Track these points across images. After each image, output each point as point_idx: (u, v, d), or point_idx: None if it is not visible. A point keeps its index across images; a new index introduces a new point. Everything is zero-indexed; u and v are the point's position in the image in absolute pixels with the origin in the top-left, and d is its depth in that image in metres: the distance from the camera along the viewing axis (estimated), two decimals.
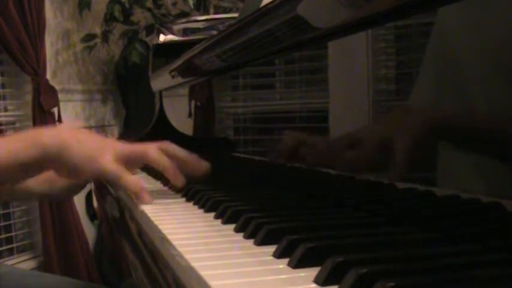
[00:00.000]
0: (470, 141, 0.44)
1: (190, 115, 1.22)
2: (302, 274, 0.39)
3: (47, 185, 0.96)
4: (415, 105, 0.50)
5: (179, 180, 0.76)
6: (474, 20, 0.42)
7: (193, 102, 1.22)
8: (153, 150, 0.76)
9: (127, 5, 2.46)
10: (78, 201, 2.49)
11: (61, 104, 2.40)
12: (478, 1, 0.42)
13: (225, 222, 0.58)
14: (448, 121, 0.46)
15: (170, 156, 0.76)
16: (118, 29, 2.61)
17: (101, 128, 2.79)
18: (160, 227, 0.56)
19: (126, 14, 2.49)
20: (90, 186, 2.54)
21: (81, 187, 1.04)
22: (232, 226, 0.55)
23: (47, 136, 0.75)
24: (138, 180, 0.73)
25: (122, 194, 0.86)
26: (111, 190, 0.97)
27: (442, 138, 0.46)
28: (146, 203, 0.71)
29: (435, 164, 0.48)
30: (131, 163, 0.76)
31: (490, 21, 0.41)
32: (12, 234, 2.35)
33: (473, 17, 0.42)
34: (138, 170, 1.06)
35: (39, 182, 0.94)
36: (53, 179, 0.95)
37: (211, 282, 0.37)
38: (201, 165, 0.78)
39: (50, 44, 2.47)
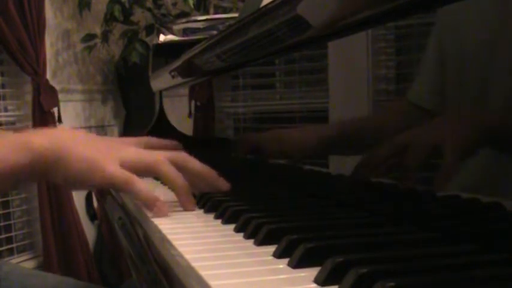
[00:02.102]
0: (472, 141, 0.44)
1: (190, 115, 1.22)
2: (302, 274, 0.39)
3: None
4: (417, 103, 0.50)
5: (189, 204, 0.65)
6: (474, 19, 0.42)
7: (193, 102, 1.22)
8: (165, 163, 0.65)
9: (127, 5, 2.46)
10: (78, 201, 2.49)
11: (61, 104, 2.40)
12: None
13: (225, 222, 0.58)
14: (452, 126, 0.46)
15: (184, 170, 0.66)
16: (118, 29, 2.61)
17: (101, 128, 2.79)
18: (160, 226, 0.56)
19: (126, 14, 2.50)
20: None
21: None
22: (232, 226, 0.55)
23: (40, 138, 0.64)
24: (151, 189, 0.64)
25: (122, 195, 0.86)
26: (112, 190, 0.97)
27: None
28: (161, 215, 0.62)
29: (435, 165, 0.48)
30: (138, 173, 0.65)
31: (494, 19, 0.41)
32: (12, 234, 2.35)
33: (479, 15, 0.42)
34: None
35: None
36: None
37: (211, 282, 0.37)
38: (220, 183, 0.69)
39: (50, 44, 2.47)
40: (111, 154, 0.66)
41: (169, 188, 0.67)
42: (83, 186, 0.69)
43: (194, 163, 0.68)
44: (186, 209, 0.65)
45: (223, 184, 0.69)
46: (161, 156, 0.66)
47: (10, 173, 0.63)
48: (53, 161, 0.63)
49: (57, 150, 0.63)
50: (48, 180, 0.68)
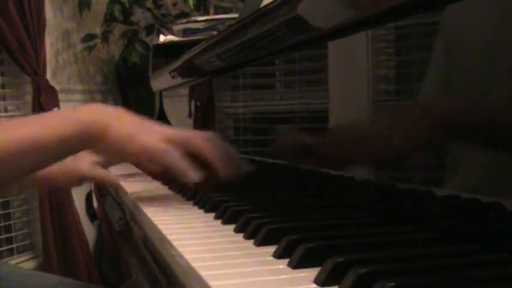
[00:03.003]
0: (472, 140, 0.44)
1: (190, 115, 1.22)
2: (302, 274, 0.39)
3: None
4: (421, 104, 0.50)
5: (228, 169, 0.71)
6: (486, 16, 0.42)
7: (193, 102, 1.22)
8: (199, 137, 0.72)
9: (127, 5, 2.46)
10: (78, 201, 2.49)
11: (61, 104, 2.39)
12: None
13: (225, 223, 0.58)
14: (452, 120, 0.46)
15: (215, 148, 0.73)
16: (118, 29, 2.61)
17: None
18: (160, 227, 0.56)
19: (126, 14, 2.49)
20: (90, 186, 2.54)
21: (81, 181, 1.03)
22: (232, 226, 0.55)
23: (86, 113, 0.73)
24: (184, 159, 0.70)
25: (122, 195, 0.86)
26: (112, 191, 0.97)
27: (446, 138, 0.46)
28: (194, 180, 0.69)
29: (435, 165, 0.48)
30: (174, 147, 0.71)
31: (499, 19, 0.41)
32: (13, 234, 2.35)
33: (483, 14, 0.42)
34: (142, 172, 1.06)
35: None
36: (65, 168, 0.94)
37: (211, 283, 0.37)
38: (241, 166, 0.74)
39: (50, 44, 2.47)
40: (149, 128, 0.72)
41: (207, 157, 0.71)
42: (123, 155, 0.76)
43: (223, 143, 0.74)
44: (226, 173, 0.70)
45: (242, 167, 0.74)
46: (197, 133, 0.74)
47: (58, 142, 0.70)
48: (97, 133, 0.70)
49: (101, 124, 0.71)
50: (93, 150, 0.75)
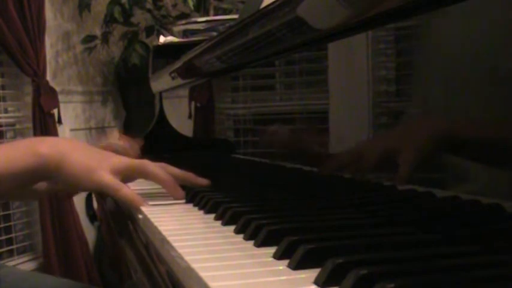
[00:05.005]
0: (472, 143, 0.44)
1: (190, 116, 1.23)
2: (302, 275, 0.39)
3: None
4: (418, 112, 0.50)
5: (178, 193, 0.74)
6: (474, 22, 0.42)
7: (193, 104, 1.22)
8: (150, 164, 0.75)
9: (127, 7, 2.46)
10: (78, 202, 2.49)
11: (61, 106, 2.40)
12: (478, 3, 0.42)
13: (225, 224, 0.58)
14: (452, 128, 0.46)
15: (168, 173, 0.76)
16: (118, 30, 2.61)
17: (101, 130, 2.79)
18: (160, 228, 0.56)
19: (126, 16, 2.50)
20: None
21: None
22: (233, 227, 0.55)
23: (46, 146, 0.73)
24: (134, 193, 0.72)
25: None
26: None
27: (446, 145, 0.46)
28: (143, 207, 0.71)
29: (435, 166, 0.48)
30: (129, 176, 0.76)
31: (488, 23, 0.41)
32: (13, 235, 2.35)
33: (473, 19, 0.42)
34: None
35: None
36: None
37: (211, 284, 0.37)
38: (199, 181, 0.78)
39: (50, 45, 2.47)
40: (104, 162, 0.74)
41: (157, 183, 0.75)
42: (79, 189, 0.78)
43: (175, 169, 0.78)
44: (176, 198, 0.73)
45: (202, 181, 0.78)
46: (146, 160, 0.77)
47: (18, 174, 0.72)
48: (55, 166, 0.72)
49: (59, 157, 0.72)
50: (49, 182, 0.76)
